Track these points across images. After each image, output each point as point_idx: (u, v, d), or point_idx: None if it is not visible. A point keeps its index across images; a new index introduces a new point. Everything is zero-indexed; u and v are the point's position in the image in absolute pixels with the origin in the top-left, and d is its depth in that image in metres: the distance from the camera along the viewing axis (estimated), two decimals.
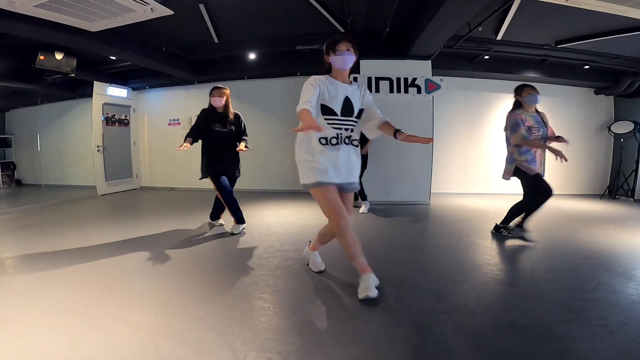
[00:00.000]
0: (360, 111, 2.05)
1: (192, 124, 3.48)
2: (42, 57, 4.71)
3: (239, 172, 3.54)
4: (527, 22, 4.03)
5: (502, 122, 3.30)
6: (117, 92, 6.48)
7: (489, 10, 3.69)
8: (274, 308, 1.88)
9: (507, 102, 6.35)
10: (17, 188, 7.73)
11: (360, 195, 4.55)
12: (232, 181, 3.51)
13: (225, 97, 3.34)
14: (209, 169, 3.38)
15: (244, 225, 3.53)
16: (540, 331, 1.60)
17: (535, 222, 3.38)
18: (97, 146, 6.09)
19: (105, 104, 6.25)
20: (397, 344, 1.53)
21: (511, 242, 3.19)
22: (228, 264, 2.63)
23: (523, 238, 3.20)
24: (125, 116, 6.74)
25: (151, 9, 3.10)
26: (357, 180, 2.09)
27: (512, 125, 3.06)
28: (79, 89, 6.92)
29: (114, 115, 6.48)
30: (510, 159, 3.19)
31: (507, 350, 1.47)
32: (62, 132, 7.59)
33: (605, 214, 4.71)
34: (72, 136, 7.44)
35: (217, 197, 3.59)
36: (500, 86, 6.06)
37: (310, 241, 2.55)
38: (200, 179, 3.50)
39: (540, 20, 3.97)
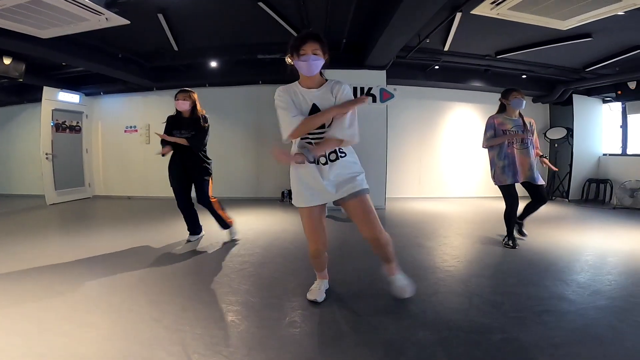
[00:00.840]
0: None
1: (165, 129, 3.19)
2: None
3: (204, 176, 3.22)
4: (469, 34, 4.40)
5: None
6: (69, 98, 6.19)
7: (435, 23, 4.00)
8: (227, 308, 1.93)
9: (458, 110, 6.96)
10: None
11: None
12: (199, 185, 3.21)
13: (190, 101, 3.11)
14: (171, 178, 3.23)
15: (193, 236, 3.44)
16: (464, 325, 1.76)
17: (478, 221, 3.57)
18: (46, 153, 5.75)
19: (56, 109, 5.95)
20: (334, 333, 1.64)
21: (456, 243, 3.43)
22: (185, 268, 2.63)
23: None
24: (77, 122, 6.43)
25: (106, 18, 3.05)
26: (354, 188, 1.82)
27: (485, 127, 3.18)
28: (27, 94, 6.55)
29: (65, 121, 6.17)
30: (492, 163, 3.22)
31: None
32: (7, 138, 7.09)
33: (542, 214, 5.17)
34: (18, 143, 6.98)
35: (209, 207, 3.29)
36: (451, 95, 6.52)
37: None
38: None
39: (481, 33, 4.34)
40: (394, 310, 1.91)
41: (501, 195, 3.22)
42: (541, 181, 3.10)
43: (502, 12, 3.13)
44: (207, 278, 2.38)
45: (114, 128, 6.73)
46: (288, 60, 1.75)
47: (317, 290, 2.04)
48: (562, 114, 6.80)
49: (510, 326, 1.72)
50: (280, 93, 1.75)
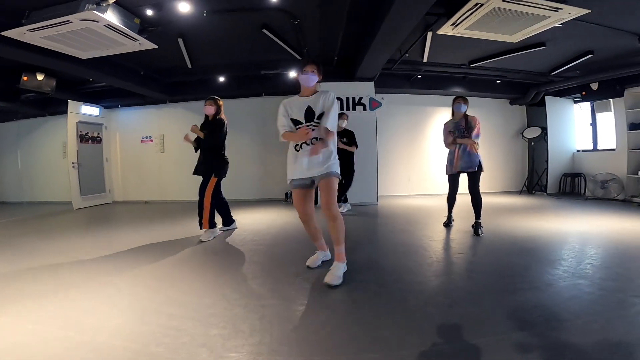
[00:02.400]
0: (322, 114, 2.40)
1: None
2: (25, 78, 5.09)
3: (211, 173, 3.68)
4: (442, 47, 5.04)
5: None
6: (90, 111, 6.86)
7: (412, 40, 4.69)
8: (249, 272, 2.57)
9: (441, 114, 7.62)
10: None
11: (340, 197, 5.19)
12: (205, 179, 3.70)
13: (215, 106, 3.67)
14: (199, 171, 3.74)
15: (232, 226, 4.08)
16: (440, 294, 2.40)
17: (469, 214, 4.07)
18: (73, 162, 6.41)
19: (79, 122, 6.61)
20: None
21: (443, 229, 4.06)
22: (211, 250, 3.27)
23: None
24: (98, 134, 7.10)
25: (139, 44, 3.74)
26: (323, 170, 2.37)
27: (445, 132, 3.88)
28: (50, 107, 7.22)
29: (87, 132, 6.83)
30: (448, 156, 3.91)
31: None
32: (31, 149, 7.74)
33: (523, 205, 5.81)
34: (42, 153, 7.64)
35: (217, 204, 3.82)
36: (435, 100, 7.20)
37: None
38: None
39: (452, 46, 4.98)
40: (403, 279, 2.55)
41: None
42: (472, 168, 3.64)
43: (461, 32, 3.83)
44: (233, 255, 3.02)
45: (131, 138, 7.41)
46: (295, 75, 2.50)
47: (314, 259, 2.66)
48: (537, 115, 7.47)
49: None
50: (284, 102, 2.51)
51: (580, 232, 3.73)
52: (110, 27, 3.32)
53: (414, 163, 7.38)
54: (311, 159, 2.38)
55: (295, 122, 2.45)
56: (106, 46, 3.81)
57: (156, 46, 3.98)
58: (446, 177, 3.96)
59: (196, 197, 3.73)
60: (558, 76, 6.36)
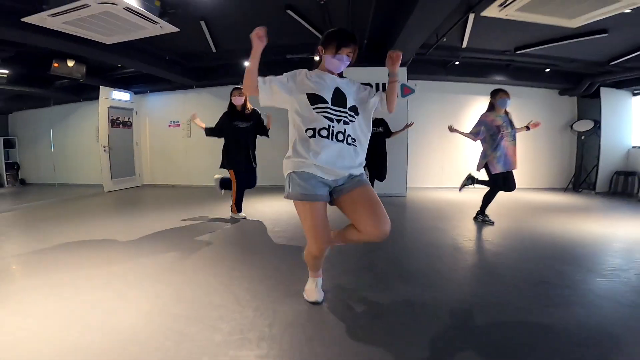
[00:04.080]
0: (355, 108, 1.76)
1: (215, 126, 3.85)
2: (56, 65, 5.20)
3: (256, 164, 3.93)
4: (486, 32, 4.60)
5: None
6: (121, 96, 6.99)
7: (450, 23, 4.27)
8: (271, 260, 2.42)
9: (479, 103, 7.07)
10: (21, 187, 8.15)
11: None
12: (251, 173, 3.89)
13: (244, 96, 3.74)
14: (234, 163, 3.80)
15: (240, 215, 4.03)
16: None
17: (507, 210, 3.84)
18: (104, 146, 6.58)
19: (111, 107, 6.75)
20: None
21: (477, 227, 3.72)
22: (233, 240, 3.17)
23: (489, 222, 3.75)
24: (129, 118, 7.24)
25: (160, 27, 3.63)
26: (357, 170, 1.75)
27: (476, 123, 3.65)
28: (84, 93, 7.42)
29: (118, 117, 6.97)
30: (484, 155, 3.68)
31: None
32: (66, 133, 8.04)
33: (569, 205, 5.26)
34: (76, 137, 7.91)
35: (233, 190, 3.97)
36: (473, 88, 6.67)
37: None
38: (221, 167, 3.93)
39: (497, 30, 4.53)
40: (426, 282, 2.31)
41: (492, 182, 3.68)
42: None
43: (511, 14, 3.38)
44: (251, 246, 2.90)
45: (159, 123, 7.51)
46: (320, 51, 1.76)
47: (318, 291, 1.96)
48: (589, 107, 6.75)
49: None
50: (303, 71, 1.78)
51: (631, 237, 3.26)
52: (129, 10, 3.21)
53: (447, 154, 6.92)
54: (344, 157, 1.67)
55: (315, 99, 1.67)
56: (128, 30, 3.74)
57: (177, 29, 3.86)
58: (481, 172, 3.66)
59: None
60: (617, 66, 5.64)
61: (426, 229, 3.67)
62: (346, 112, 1.71)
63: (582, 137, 6.78)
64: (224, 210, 4.38)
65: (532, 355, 1.44)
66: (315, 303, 1.90)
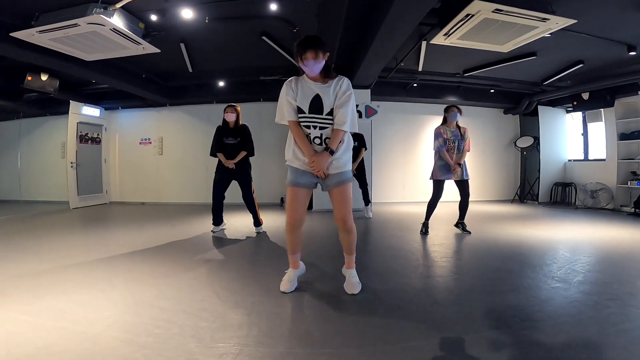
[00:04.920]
0: (331, 111, 1.99)
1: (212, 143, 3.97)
2: (29, 78, 5.19)
3: (249, 176, 4.03)
4: (437, 57, 5.20)
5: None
6: (91, 112, 6.97)
7: (407, 49, 4.83)
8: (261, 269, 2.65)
9: (436, 122, 7.65)
10: None
11: (365, 200, 5.33)
12: (245, 184, 3.99)
13: (236, 113, 3.89)
14: (216, 173, 3.97)
15: (218, 228, 4.17)
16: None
17: (467, 221, 4.17)
18: (71, 162, 6.49)
19: (80, 122, 6.71)
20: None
21: (435, 235, 4.13)
22: (207, 249, 3.35)
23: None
24: (98, 134, 7.19)
25: (142, 47, 3.85)
26: (340, 169, 2.08)
27: (434, 136, 3.99)
28: (51, 107, 7.30)
29: (87, 133, 6.92)
30: (434, 163, 4.02)
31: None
32: (31, 148, 7.77)
33: (515, 213, 5.90)
34: (41, 152, 7.70)
35: (250, 205, 4.05)
36: (430, 108, 7.33)
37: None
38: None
39: (447, 55, 5.14)
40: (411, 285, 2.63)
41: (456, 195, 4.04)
42: (468, 176, 3.93)
43: (454, 41, 3.95)
44: (227, 254, 3.09)
45: (130, 140, 7.50)
46: (296, 60, 2.00)
47: (289, 281, 2.22)
48: (530, 124, 7.61)
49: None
50: (290, 84, 2.03)
51: (567, 240, 3.82)
52: (115, 30, 3.43)
53: (408, 170, 7.49)
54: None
55: (298, 110, 2.02)
56: (111, 49, 3.92)
57: (159, 50, 4.10)
58: (453, 187, 4.00)
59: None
60: (550, 86, 6.51)
61: (387, 236, 4.04)
62: (323, 118, 1.99)
63: (525, 153, 7.61)
64: (197, 226, 4.52)
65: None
66: (283, 292, 2.18)
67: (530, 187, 7.45)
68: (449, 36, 3.89)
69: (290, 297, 2.14)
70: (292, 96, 2.02)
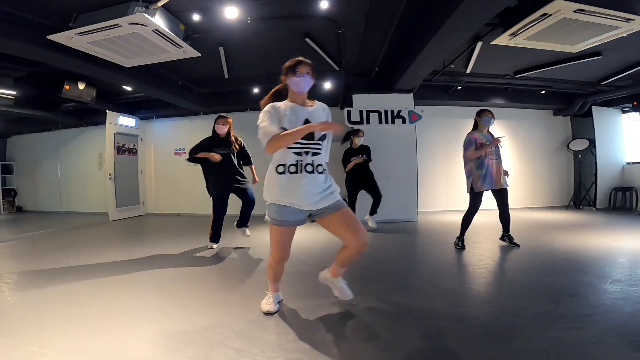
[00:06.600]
0: (324, 136, 1.92)
1: (194, 146, 3.80)
2: (67, 87, 5.12)
3: (247, 183, 3.86)
4: (489, 58, 4.86)
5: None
6: (127, 122, 6.97)
7: (459, 51, 4.51)
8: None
9: None
10: (17, 215, 7.90)
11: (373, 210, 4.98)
12: (244, 193, 3.83)
13: (228, 126, 3.77)
14: (215, 189, 3.80)
15: (217, 245, 3.95)
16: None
17: (515, 230, 3.83)
18: (110, 174, 6.49)
19: (117, 133, 6.72)
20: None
21: (491, 246, 3.79)
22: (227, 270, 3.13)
23: (513, 244, 3.68)
24: (134, 145, 7.20)
25: (184, 51, 3.70)
26: (332, 202, 1.91)
27: (467, 143, 3.58)
28: (87, 117, 7.38)
29: (124, 144, 6.93)
30: (468, 174, 3.61)
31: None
32: (68, 159, 7.91)
33: (571, 221, 5.43)
34: (78, 163, 7.81)
35: (242, 207, 3.95)
36: (474, 112, 6.87)
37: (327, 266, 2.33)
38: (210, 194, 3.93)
39: (500, 56, 4.80)
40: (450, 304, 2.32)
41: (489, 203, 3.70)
42: (507, 184, 3.62)
43: (519, 42, 3.62)
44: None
45: (164, 150, 7.47)
46: (282, 79, 1.98)
47: (272, 303, 2.13)
48: (583, 126, 7.07)
49: (545, 303, 2.12)
50: (272, 108, 1.88)
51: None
52: (157, 32, 3.27)
53: (451, 178, 7.06)
54: (318, 185, 1.86)
55: None
56: (151, 53, 3.76)
57: (199, 54, 3.94)
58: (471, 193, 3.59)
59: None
60: (608, 86, 6.00)
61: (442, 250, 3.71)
62: (314, 144, 1.89)
63: (579, 156, 7.06)
64: (232, 239, 4.35)
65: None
66: (268, 313, 2.08)
67: (586, 192, 6.89)
68: (515, 36, 3.55)
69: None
70: (277, 124, 1.86)
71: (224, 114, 3.86)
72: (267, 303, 2.14)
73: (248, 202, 3.90)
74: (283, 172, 1.86)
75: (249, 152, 4.00)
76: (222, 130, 3.75)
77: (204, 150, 3.72)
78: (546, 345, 1.64)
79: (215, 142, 3.78)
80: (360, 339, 1.78)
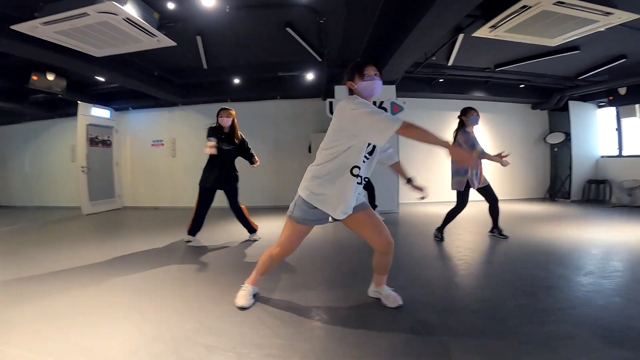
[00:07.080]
0: (375, 148, 1.83)
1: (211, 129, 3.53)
2: (35, 78, 4.86)
3: (237, 188, 3.72)
4: (471, 50, 4.87)
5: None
6: (101, 113, 6.67)
7: (441, 43, 4.49)
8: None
9: None
10: None
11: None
12: (233, 194, 3.69)
13: (232, 118, 3.56)
14: (205, 180, 3.59)
15: (194, 239, 3.79)
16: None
17: (481, 220, 3.90)
18: (82, 167, 6.21)
19: (89, 125, 6.41)
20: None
21: (471, 238, 3.84)
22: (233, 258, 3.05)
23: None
24: (108, 137, 6.91)
25: (157, 40, 3.52)
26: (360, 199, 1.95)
27: (472, 143, 3.42)
28: (59, 109, 7.04)
29: (97, 136, 6.64)
30: (462, 172, 3.52)
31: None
32: (39, 152, 7.56)
33: (547, 213, 5.58)
34: (50, 156, 7.46)
35: (239, 213, 3.78)
36: (455, 105, 6.92)
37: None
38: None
39: (481, 49, 4.82)
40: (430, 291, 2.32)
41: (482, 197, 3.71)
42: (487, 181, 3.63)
43: (499, 34, 3.62)
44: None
45: (141, 142, 7.21)
46: (349, 84, 1.83)
47: (247, 296, 2.10)
48: (560, 120, 7.24)
49: (523, 296, 2.13)
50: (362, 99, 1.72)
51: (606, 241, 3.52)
52: (129, 21, 3.10)
53: (433, 169, 7.13)
54: (356, 197, 1.86)
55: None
56: (123, 43, 3.57)
57: (175, 43, 3.76)
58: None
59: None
60: (585, 80, 6.14)
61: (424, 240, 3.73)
62: (367, 154, 1.80)
63: (555, 149, 7.24)
64: (210, 233, 4.22)
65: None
66: (242, 308, 2.04)
67: (561, 185, 7.09)
68: (495, 29, 3.55)
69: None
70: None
71: (227, 106, 3.63)
72: (242, 297, 2.10)
73: (231, 205, 3.71)
74: (357, 175, 1.77)
75: (251, 148, 3.73)
76: (226, 122, 3.55)
77: (212, 138, 3.45)
78: (524, 340, 1.64)
79: (221, 136, 3.55)
80: (336, 334, 1.75)
